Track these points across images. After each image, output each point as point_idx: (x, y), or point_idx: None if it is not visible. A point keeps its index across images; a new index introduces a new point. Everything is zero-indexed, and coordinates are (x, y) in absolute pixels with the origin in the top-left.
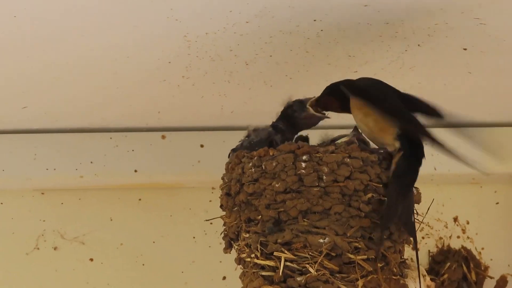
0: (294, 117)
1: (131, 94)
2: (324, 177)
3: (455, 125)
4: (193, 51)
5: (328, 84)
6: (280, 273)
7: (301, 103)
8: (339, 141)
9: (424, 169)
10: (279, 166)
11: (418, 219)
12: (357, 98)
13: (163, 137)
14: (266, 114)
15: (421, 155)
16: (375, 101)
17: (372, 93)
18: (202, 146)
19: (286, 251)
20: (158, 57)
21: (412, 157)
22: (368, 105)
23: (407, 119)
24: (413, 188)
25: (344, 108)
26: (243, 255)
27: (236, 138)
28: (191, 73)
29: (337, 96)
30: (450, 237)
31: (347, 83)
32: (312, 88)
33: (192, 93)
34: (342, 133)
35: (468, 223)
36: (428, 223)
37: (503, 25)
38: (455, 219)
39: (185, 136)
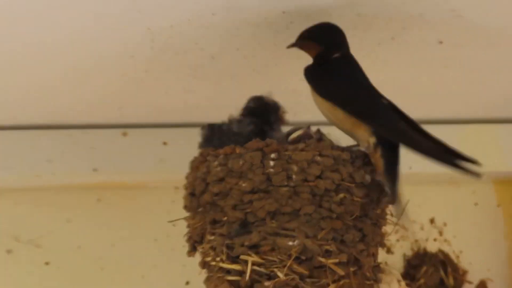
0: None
1: (91, 88)
2: (294, 176)
3: (431, 122)
4: (156, 44)
5: (298, 79)
6: (247, 278)
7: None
8: (293, 135)
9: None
10: (246, 165)
11: (392, 221)
12: (321, 97)
13: (125, 134)
14: (233, 110)
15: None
16: (343, 104)
17: (339, 95)
18: (165, 143)
19: (253, 255)
20: (120, 50)
21: (391, 153)
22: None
23: (381, 123)
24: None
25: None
26: (208, 259)
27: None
28: (154, 67)
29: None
30: (426, 239)
31: (310, 71)
32: (281, 83)
33: (155, 88)
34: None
35: (445, 225)
36: (403, 225)
37: (479, 17)
38: (432, 221)
39: (147, 133)
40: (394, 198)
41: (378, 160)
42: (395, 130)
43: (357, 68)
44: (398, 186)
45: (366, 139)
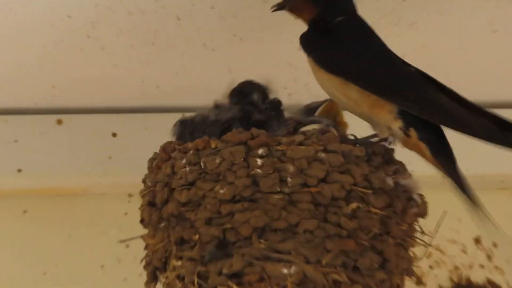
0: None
1: (13, 60)
2: (289, 179)
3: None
4: (102, 1)
5: (294, 48)
6: None
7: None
8: (305, 128)
9: (433, 168)
10: (225, 164)
11: (423, 240)
12: (326, 71)
13: (59, 122)
14: (207, 91)
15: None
16: (356, 77)
17: (350, 66)
18: (114, 135)
19: (235, 286)
20: (53, 8)
21: (433, 134)
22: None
23: (412, 98)
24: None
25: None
26: None
27: (164, 124)
28: (99, 32)
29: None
30: (470, 266)
31: (307, 39)
32: (270, 54)
33: (100, 60)
34: (310, 118)
35: (495, 245)
36: (438, 246)
37: None
38: (477, 241)
39: (90, 121)
40: (467, 194)
41: (418, 145)
42: (433, 105)
43: (370, 33)
44: (462, 176)
45: (389, 124)
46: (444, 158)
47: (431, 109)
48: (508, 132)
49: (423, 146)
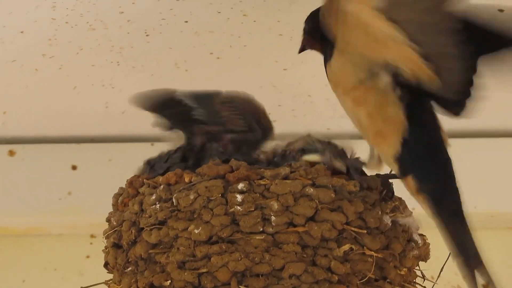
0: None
1: None
2: (273, 217)
3: None
4: (60, 15)
5: (280, 69)
6: None
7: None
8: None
9: None
10: (200, 200)
11: (425, 287)
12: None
13: (11, 153)
14: None
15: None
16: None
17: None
18: (74, 167)
19: None
20: (3, 23)
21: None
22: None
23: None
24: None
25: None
26: None
27: (130, 155)
28: (57, 50)
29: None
30: None
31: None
32: (252, 75)
33: (58, 82)
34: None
35: None
36: None
37: None
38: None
39: (46, 152)
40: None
41: (417, 197)
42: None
43: None
44: (472, 238)
45: (388, 161)
46: (448, 216)
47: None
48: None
49: (422, 199)
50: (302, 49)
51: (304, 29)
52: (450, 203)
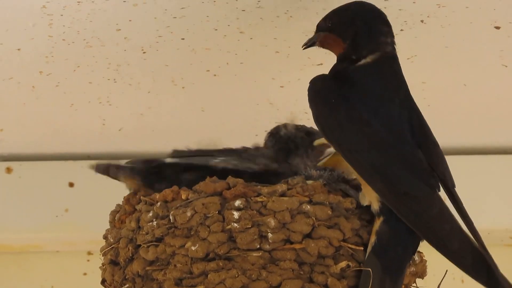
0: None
1: None
2: (270, 234)
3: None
4: (57, 32)
5: (277, 86)
6: None
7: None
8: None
9: None
10: (197, 217)
11: None
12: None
13: (8, 170)
14: (176, 134)
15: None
16: (345, 153)
17: (345, 136)
18: (71, 185)
19: None
20: (1, 41)
21: (398, 224)
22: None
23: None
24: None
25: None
26: None
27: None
28: (54, 67)
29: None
30: None
31: (317, 85)
32: (249, 92)
33: (55, 99)
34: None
35: None
36: None
37: None
38: None
39: (43, 169)
40: None
41: (372, 235)
42: (421, 217)
43: (392, 86)
44: None
45: (372, 198)
46: (381, 267)
47: (416, 220)
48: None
49: (372, 239)
50: (310, 45)
51: (325, 24)
52: (390, 259)
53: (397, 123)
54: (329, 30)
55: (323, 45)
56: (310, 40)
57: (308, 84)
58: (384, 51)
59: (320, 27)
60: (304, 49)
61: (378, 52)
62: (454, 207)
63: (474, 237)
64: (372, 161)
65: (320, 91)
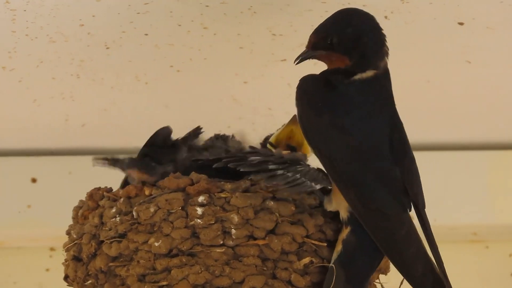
0: None
1: None
2: (234, 230)
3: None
4: (20, 27)
5: (240, 82)
6: None
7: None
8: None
9: None
10: (161, 213)
11: None
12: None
13: None
14: (140, 130)
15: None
16: (325, 160)
17: (327, 142)
18: (34, 180)
19: None
20: None
21: (366, 236)
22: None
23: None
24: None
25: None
26: None
27: (90, 168)
28: (16, 62)
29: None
30: None
31: (306, 87)
32: (212, 88)
33: (18, 95)
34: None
35: None
36: None
37: None
38: None
39: (6, 165)
40: None
41: (338, 243)
42: (389, 235)
43: (381, 105)
44: None
45: (342, 207)
46: (348, 271)
47: (383, 237)
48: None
49: (339, 248)
50: (303, 59)
51: (325, 43)
52: (355, 269)
53: (378, 138)
54: (332, 49)
55: (321, 59)
56: (304, 56)
57: (298, 81)
58: (381, 67)
59: (318, 45)
60: (296, 64)
61: (376, 68)
62: (422, 228)
63: (437, 262)
64: (350, 172)
65: (308, 92)
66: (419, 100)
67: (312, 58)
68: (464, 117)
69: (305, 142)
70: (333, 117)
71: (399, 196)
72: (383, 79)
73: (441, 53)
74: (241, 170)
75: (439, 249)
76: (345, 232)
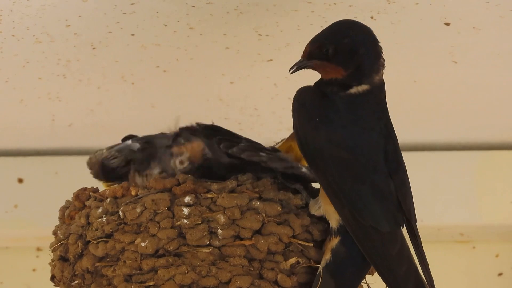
0: None
1: None
2: (220, 231)
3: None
4: (6, 27)
5: (226, 82)
6: None
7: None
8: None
9: None
10: (147, 214)
11: None
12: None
13: None
14: (126, 130)
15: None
16: (316, 169)
17: (320, 151)
18: (20, 181)
19: None
20: None
21: (355, 247)
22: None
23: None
24: None
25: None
26: None
27: (77, 168)
28: (3, 63)
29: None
30: None
31: (304, 98)
32: (199, 88)
33: (4, 95)
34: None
35: None
36: None
37: None
38: None
39: None
40: None
41: (326, 252)
42: (374, 247)
43: (377, 117)
44: None
45: (332, 218)
46: (337, 281)
47: (375, 254)
48: None
49: (327, 256)
50: (298, 69)
51: (320, 53)
52: (343, 278)
53: (374, 152)
54: (327, 60)
55: (316, 69)
56: (299, 65)
57: (295, 93)
58: (378, 77)
59: (314, 55)
60: (291, 73)
61: (372, 80)
62: (412, 243)
63: (427, 279)
64: (345, 188)
65: (306, 105)
66: (405, 100)
67: (307, 68)
68: (450, 117)
69: (303, 158)
70: (330, 131)
71: (393, 212)
72: (379, 91)
73: (427, 53)
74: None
75: (424, 249)
76: (334, 241)
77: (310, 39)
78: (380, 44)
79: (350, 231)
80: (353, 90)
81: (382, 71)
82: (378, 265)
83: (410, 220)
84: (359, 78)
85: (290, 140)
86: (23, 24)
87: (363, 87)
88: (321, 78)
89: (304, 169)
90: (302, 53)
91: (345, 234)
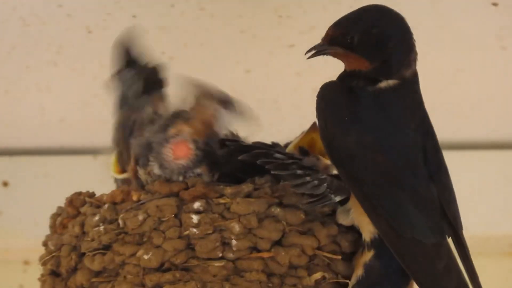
0: None
1: None
2: (234, 241)
3: None
4: None
5: (242, 68)
6: None
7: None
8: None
9: None
10: (151, 222)
11: None
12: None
13: None
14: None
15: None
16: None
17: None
18: (5, 184)
19: None
20: None
21: (392, 262)
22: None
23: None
24: None
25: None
26: None
27: (69, 170)
28: None
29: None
30: None
31: (332, 98)
32: (209, 77)
33: None
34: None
35: None
36: None
37: None
38: None
39: None
40: None
41: (358, 267)
42: (419, 263)
43: (411, 112)
44: None
45: (365, 229)
46: None
47: (419, 271)
48: None
49: (360, 272)
50: (316, 54)
51: (344, 40)
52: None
53: (411, 153)
54: (350, 49)
55: (335, 56)
56: (318, 50)
57: (319, 90)
58: (409, 72)
59: (335, 41)
60: (308, 58)
61: (404, 74)
62: (459, 255)
63: None
64: (381, 196)
65: (331, 104)
66: (447, 92)
67: (327, 54)
68: (500, 111)
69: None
70: (360, 133)
71: (436, 220)
72: (412, 83)
73: (473, 37)
74: (271, 171)
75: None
76: (368, 255)
77: (334, 22)
78: (414, 36)
79: (388, 244)
80: (383, 84)
81: (414, 65)
82: (422, 283)
83: (456, 228)
84: (387, 72)
85: (312, 132)
86: (8, 5)
87: (394, 81)
88: (344, 70)
89: (330, 196)
90: None
91: (380, 248)
